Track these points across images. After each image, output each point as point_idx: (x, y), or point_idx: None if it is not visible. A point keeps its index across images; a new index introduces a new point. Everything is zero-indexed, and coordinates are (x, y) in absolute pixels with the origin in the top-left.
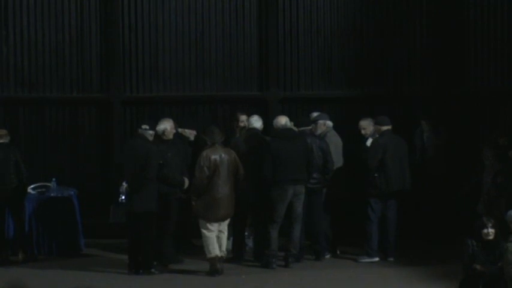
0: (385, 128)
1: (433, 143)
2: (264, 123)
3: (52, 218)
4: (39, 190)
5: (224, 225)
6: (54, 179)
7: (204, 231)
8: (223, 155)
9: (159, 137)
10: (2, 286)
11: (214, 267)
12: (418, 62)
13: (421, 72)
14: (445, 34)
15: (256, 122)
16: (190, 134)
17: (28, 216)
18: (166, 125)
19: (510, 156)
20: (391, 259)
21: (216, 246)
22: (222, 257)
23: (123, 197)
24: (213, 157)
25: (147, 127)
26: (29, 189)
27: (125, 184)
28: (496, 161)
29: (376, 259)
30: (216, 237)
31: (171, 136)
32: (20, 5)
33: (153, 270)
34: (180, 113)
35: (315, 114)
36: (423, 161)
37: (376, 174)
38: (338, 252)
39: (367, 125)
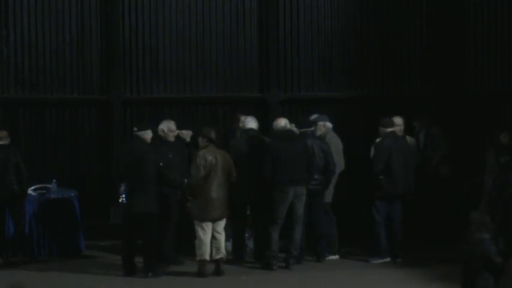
0: (389, 130)
1: (429, 143)
2: (265, 124)
3: (52, 219)
4: (39, 191)
5: (220, 226)
6: (54, 180)
7: (199, 232)
8: (218, 156)
9: (160, 138)
10: (2, 287)
11: (202, 270)
12: (418, 62)
13: (421, 72)
14: (445, 34)
15: (252, 123)
16: (186, 135)
17: (28, 217)
18: (164, 126)
19: (502, 162)
20: (399, 260)
21: (207, 250)
22: (221, 258)
23: (124, 197)
24: (209, 157)
25: (136, 129)
26: (30, 191)
27: (123, 185)
28: (496, 161)
29: (388, 259)
30: (213, 237)
31: (171, 138)
32: (20, 5)
33: (150, 274)
34: (180, 113)
35: (314, 116)
36: (422, 162)
37: (381, 177)
38: (339, 254)
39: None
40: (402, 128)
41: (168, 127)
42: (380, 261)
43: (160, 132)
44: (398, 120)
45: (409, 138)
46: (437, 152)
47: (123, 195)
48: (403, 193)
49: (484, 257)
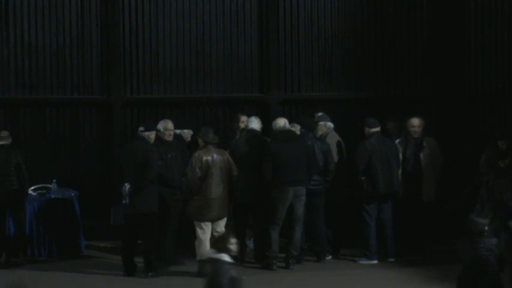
0: (373, 130)
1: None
2: (265, 125)
3: (52, 220)
4: (39, 192)
5: (220, 226)
6: (54, 181)
7: (198, 232)
8: (215, 156)
9: (159, 138)
10: (3, 287)
11: (202, 270)
12: (418, 62)
13: (421, 72)
14: (445, 34)
15: (255, 124)
16: (188, 134)
17: (29, 217)
18: (160, 126)
19: (500, 166)
20: (392, 259)
21: (207, 250)
22: None
23: (127, 199)
24: (204, 158)
25: (143, 129)
26: (30, 191)
27: (127, 185)
28: (490, 166)
29: (375, 261)
30: (213, 237)
31: (168, 137)
32: (20, 7)
33: (150, 274)
34: (180, 114)
35: (319, 114)
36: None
37: (363, 178)
38: (339, 254)
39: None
40: (420, 129)
41: (163, 126)
42: (367, 262)
43: (157, 132)
44: (415, 121)
45: (430, 140)
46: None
47: (126, 197)
48: (387, 193)
49: (490, 262)
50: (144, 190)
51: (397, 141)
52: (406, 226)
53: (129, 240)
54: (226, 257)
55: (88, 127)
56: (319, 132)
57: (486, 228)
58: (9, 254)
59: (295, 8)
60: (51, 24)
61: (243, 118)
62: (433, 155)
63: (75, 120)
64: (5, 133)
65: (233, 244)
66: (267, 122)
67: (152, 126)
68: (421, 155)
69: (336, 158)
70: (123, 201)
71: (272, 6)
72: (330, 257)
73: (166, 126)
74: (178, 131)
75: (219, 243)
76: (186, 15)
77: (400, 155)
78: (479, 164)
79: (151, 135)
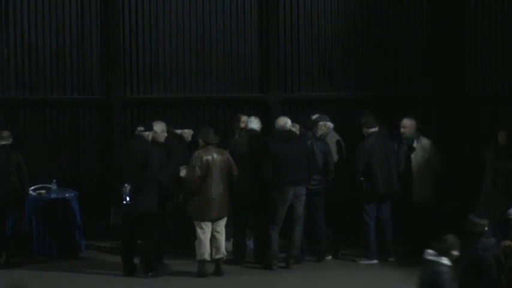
0: (372, 130)
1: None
2: (265, 125)
3: (52, 220)
4: (39, 192)
5: (220, 226)
6: (54, 181)
7: (198, 232)
8: (215, 156)
9: (153, 138)
10: (3, 287)
11: (202, 270)
12: (418, 62)
13: (421, 72)
14: (445, 34)
15: (254, 124)
16: (188, 134)
17: (28, 217)
18: (157, 128)
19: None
20: (392, 259)
21: (207, 250)
22: (221, 258)
23: (128, 199)
24: (205, 157)
25: (142, 128)
26: (30, 191)
27: (127, 185)
28: (496, 161)
29: (375, 261)
30: (213, 237)
31: (161, 139)
32: (20, 7)
33: (150, 274)
34: (180, 114)
35: (315, 116)
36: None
37: (362, 178)
38: (339, 254)
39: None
40: (411, 129)
41: (157, 129)
42: (367, 262)
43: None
44: (406, 122)
45: (425, 140)
46: None
47: (127, 197)
48: (386, 193)
49: (488, 262)
50: (144, 190)
51: None
52: (406, 226)
53: (129, 240)
54: (446, 260)
55: (88, 127)
56: (319, 132)
57: (485, 228)
58: (9, 254)
59: (295, 8)
60: (51, 24)
61: (244, 118)
62: (426, 154)
63: (75, 120)
64: (6, 133)
65: (457, 251)
66: (267, 122)
67: (151, 126)
68: (413, 155)
69: (335, 157)
70: (123, 202)
71: (272, 6)
72: (330, 257)
73: (160, 128)
74: (178, 131)
75: (442, 245)
76: (186, 15)
77: None
78: (485, 161)
79: (151, 136)
